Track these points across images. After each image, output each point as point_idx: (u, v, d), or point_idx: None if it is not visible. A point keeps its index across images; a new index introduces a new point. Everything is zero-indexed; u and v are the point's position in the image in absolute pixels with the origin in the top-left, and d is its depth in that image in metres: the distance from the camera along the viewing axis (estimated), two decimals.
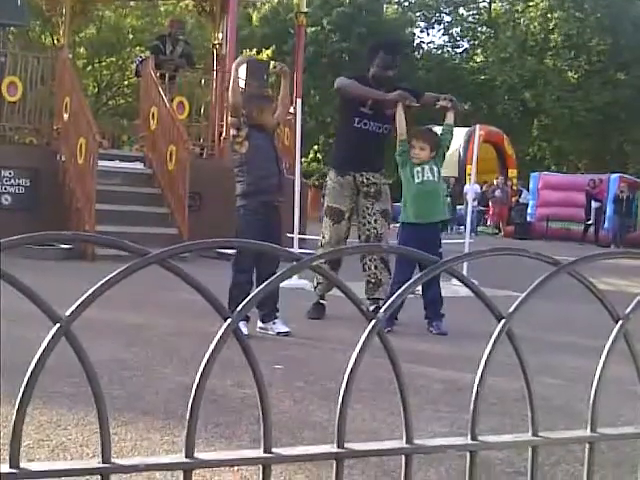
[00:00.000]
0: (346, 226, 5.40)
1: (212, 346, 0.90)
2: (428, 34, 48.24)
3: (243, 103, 4.84)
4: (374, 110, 5.30)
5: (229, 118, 4.93)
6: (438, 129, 5.54)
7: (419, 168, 5.14)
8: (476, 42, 40.72)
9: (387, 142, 5.52)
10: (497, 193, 22.22)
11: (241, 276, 4.64)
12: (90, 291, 0.83)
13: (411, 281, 1.02)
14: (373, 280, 5.19)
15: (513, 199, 22.66)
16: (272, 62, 5.73)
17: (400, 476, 1.01)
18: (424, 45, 42.00)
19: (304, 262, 0.94)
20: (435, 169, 5.17)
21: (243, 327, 4.52)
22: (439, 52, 41.40)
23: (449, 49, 41.73)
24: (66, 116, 9.95)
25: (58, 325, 0.82)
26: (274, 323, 4.70)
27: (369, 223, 5.32)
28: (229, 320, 0.91)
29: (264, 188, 4.71)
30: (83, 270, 7.44)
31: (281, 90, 5.12)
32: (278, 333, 4.63)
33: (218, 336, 0.90)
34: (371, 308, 4.98)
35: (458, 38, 41.59)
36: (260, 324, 4.73)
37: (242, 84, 11.61)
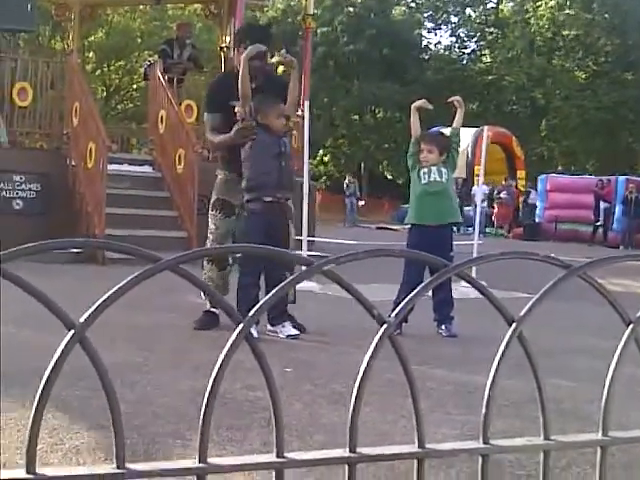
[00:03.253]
0: (235, 221, 5.02)
1: (224, 351, 0.90)
2: (436, 34, 48.23)
3: (253, 102, 4.79)
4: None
5: (237, 109, 4.76)
6: (447, 131, 5.57)
7: (426, 169, 5.15)
8: (484, 43, 40.67)
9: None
10: (503, 194, 22.18)
11: (246, 279, 4.65)
12: (104, 297, 0.84)
13: (422, 285, 1.02)
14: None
15: (520, 200, 22.62)
16: (281, 52, 5.35)
17: (411, 479, 1.01)
18: (432, 46, 42.01)
19: (315, 267, 0.94)
20: (444, 171, 5.16)
21: (253, 330, 4.51)
22: (447, 53, 41.38)
23: (457, 50, 41.69)
24: (76, 121, 9.99)
25: (73, 331, 0.82)
26: (283, 326, 4.70)
27: None
28: (241, 325, 0.91)
29: (264, 183, 4.70)
30: (94, 274, 7.47)
31: (290, 83, 4.96)
32: (288, 336, 4.64)
33: (231, 341, 0.90)
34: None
35: (466, 39, 41.57)
36: (269, 327, 4.74)
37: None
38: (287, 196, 4.84)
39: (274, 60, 6.12)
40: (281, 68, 6.03)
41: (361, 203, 27.77)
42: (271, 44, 5.23)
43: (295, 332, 4.68)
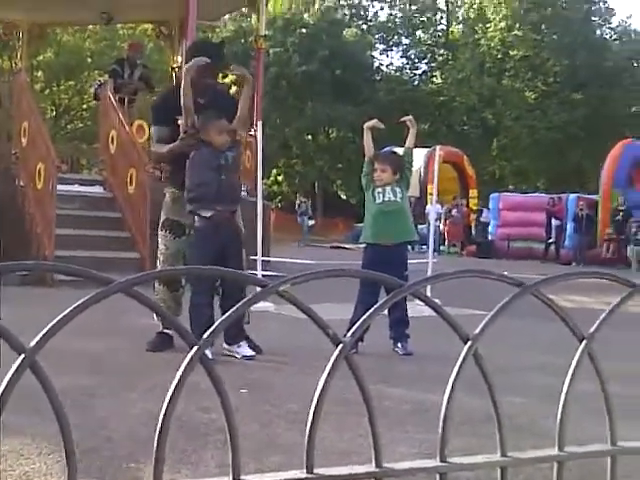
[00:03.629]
0: (187, 242, 4.94)
1: (179, 373, 0.89)
2: (387, 55, 48.80)
3: (198, 119, 4.77)
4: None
5: (180, 121, 4.73)
6: (400, 151, 5.62)
7: (380, 189, 5.18)
8: (434, 64, 41.27)
9: (239, 166, 5.21)
10: (454, 212, 22.45)
11: (198, 298, 4.60)
12: (54, 321, 0.82)
13: (377, 305, 1.02)
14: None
15: (472, 218, 22.89)
16: (231, 66, 5.22)
17: None
18: (384, 67, 42.48)
19: (270, 288, 0.94)
20: (398, 190, 5.20)
21: (207, 352, 4.46)
22: (398, 74, 41.87)
23: (408, 71, 42.23)
24: (24, 140, 9.84)
25: (23, 356, 0.80)
26: (239, 346, 4.67)
27: None
28: (196, 347, 0.90)
29: (202, 195, 4.67)
30: (43, 296, 7.33)
31: (241, 97, 4.90)
32: (243, 357, 4.61)
33: (185, 363, 0.89)
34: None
35: (417, 60, 42.14)
36: (225, 345, 4.70)
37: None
38: (230, 209, 4.76)
39: (227, 80, 6.09)
40: (234, 88, 5.97)
41: (311, 223, 27.81)
42: (224, 62, 5.22)
43: (251, 353, 4.66)
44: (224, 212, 4.71)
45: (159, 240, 5.05)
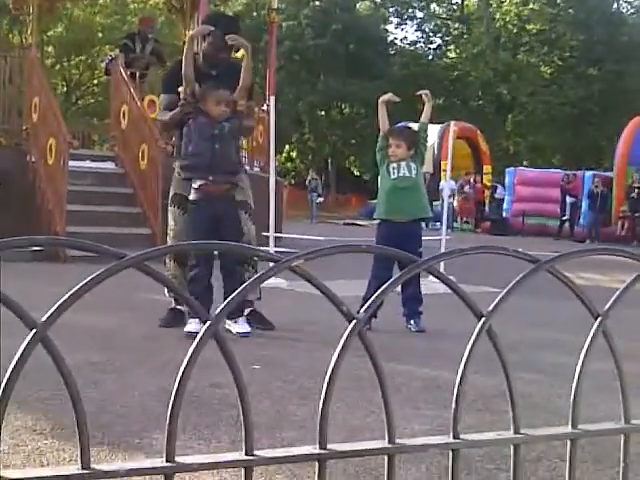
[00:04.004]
0: None
1: (192, 349, 0.89)
2: (402, 29, 48.37)
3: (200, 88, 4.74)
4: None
5: (180, 89, 4.71)
6: (415, 126, 5.57)
7: (395, 165, 5.15)
8: (449, 38, 40.91)
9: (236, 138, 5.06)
10: (466, 189, 22.34)
11: (195, 271, 4.60)
12: (66, 296, 0.82)
13: (391, 281, 1.01)
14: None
15: (486, 194, 22.78)
16: (229, 36, 5.06)
17: (381, 474, 1.00)
18: (398, 41, 42.15)
19: (282, 263, 0.93)
20: (412, 166, 5.16)
21: (196, 325, 4.39)
22: (412, 48, 41.54)
23: (422, 45, 41.89)
24: (35, 116, 9.84)
25: (34, 331, 0.80)
26: (236, 322, 4.61)
27: None
28: (208, 323, 0.90)
29: (194, 165, 4.65)
30: (56, 272, 7.37)
31: (242, 67, 4.81)
32: (237, 333, 4.56)
33: (198, 339, 0.88)
34: (247, 311, 4.90)
35: (431, 34, 41.76)
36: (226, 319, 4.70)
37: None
38: (223, 179, 4.68)
39: (239, 54, 6.01)
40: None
41: (320, 200, 27.70)
42: (240, 35, 5.17)
43: (246, 330, 4.59)
44: (217, 182, 4.65)
45: (169, 216, 5.04)
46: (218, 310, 0.91)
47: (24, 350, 0.80)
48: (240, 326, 4.58)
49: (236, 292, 0.94)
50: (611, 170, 20.55)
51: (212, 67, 4.93)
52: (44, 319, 0.81)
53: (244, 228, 4.92)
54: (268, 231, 7.85)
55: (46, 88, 9.97)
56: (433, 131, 20.19)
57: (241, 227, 4.88)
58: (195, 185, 4.65)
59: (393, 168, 5.14)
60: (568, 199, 20.22)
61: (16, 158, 9.90)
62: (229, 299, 0.93)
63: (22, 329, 0.80)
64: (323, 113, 39.45)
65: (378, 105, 5.38)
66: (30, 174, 9.73)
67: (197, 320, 4.48)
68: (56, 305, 0.82)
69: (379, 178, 5.31)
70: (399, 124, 8.55)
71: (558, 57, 36.44)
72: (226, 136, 4.67)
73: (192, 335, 4.36)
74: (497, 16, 37.63)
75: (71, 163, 9.27)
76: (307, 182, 27.57)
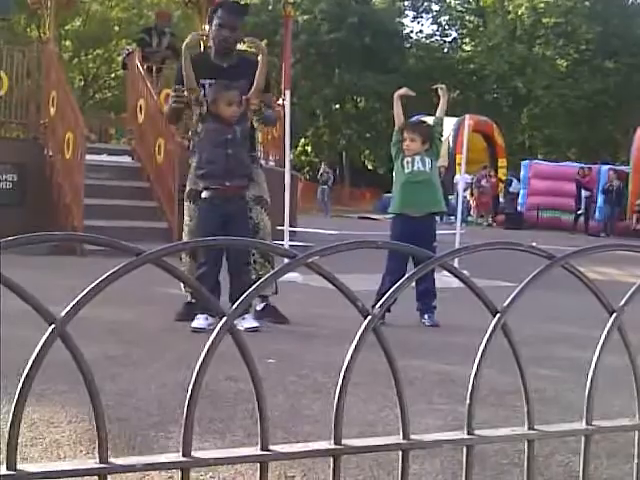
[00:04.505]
0: None
1: (208, 343, 0.90)
2: (418, 22, 48.16)
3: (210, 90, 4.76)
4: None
5: (185, 93, 4.74)
6: (430, 120, 5.56)
7: (409, 159, 5.14)
8: (465, 31, 40.72)
9: (247, 139, 5.04)
10: (483, 182, 22.25)
11: (202, 268, 4.63)
12: (85, 292, 0.83)
13: (405, 277, 1.02)
14: (254, 277, 4.84)
15: (500, 187, 22.69)
16: (246, 38, 5.19)
17: (395, 469, 1.01)
18: (413, 34, 42.01)
19: (299, 259, 0.93)
20: (427, 160, 5.15)
21: (203, 321, 4.47)
22: (428, 42, 41.38)
23: (438, 38, 41.71)
24: (53, 110, 9.89)
25: (53, 326, 0.81)
26: (243, 318, 4.62)
27: None
28: (225, 318, 0.90)
29: (210, 173, 4.65)
30: (73, 266, 7.41)
31: (258, 67, 4.80)
32: (246, 329, 4.57)
33: (214, 333, 0.89)
34: (259, 307, 4.93)
35: (447, 27, 41.59)
36: None
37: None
38: (238, 184, 4.69)
39: (245, 46, 6.01)
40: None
41: (327, 191, 27.52)
42: (243, 20, 5.19)
43: (254, 325, 4.60)
44: (232, 187, 4.67)
45: (185, 211, 5.06)
46: (235, 305, 0.92)
47: (42, 345, 0.81)
48: (248, 322, 4.59)
49: (253, 287, 0.94)
50: (627, 164, 20.41)
51: (222, 59, 4.96)
52: (62, 314, 0.82)
53: (260, 223, 4.94)
54: (283, 225, 7.87)
55: (64, 82, 10.02)
56: (448, 124, 20.11)
57: (257, 223, 4.91)
58: (213, 186, 4.67)
59: (407, 162, 5.14)
60: (583, 193, 20.11)
61: (34, 152, 9.96)
62: (246, 294, 0.93)
63: (38, 320, 0.81)
64: (338, 107, 39.41)
65: (393, 100, 5.37)
66: (48, 168, 9.79)
67: (205, 316, 4.52)
68: (74, 301, 0.83)
69: (394, 172, 5.31)
70: (414, 117, 8.52)
71: (574, 50, 36.21)
72: (238, 140, 4.69)
73: (199, 331, 4.40)
74: (511, 8, 37.41)
75: (88, 157, 9.32)
76: (319, 174, 27.53)
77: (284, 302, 5.13)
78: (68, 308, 0.82)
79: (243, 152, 4.74)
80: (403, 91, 5.37)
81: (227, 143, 4.64)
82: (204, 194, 4.71)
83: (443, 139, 5.87)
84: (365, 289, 3.96)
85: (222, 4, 5.23)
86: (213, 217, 4.62)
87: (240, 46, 5.45)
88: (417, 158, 5.12)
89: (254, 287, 0.94)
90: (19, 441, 2.44)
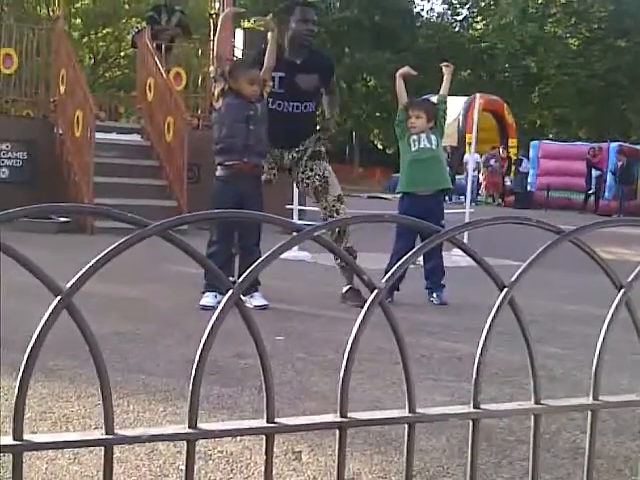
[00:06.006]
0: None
1: (214, 318, 0.90)
2: (429, 1, 47.71)
3: (229, 66, 4.75)
4: (287, 89, 5.00)
5: (210, 68, 4.78)
6: (435, 98, 5.54)
7: (415, 137, 5.12)
8: (476, 10, 40.37)
9: (311, 120, 5.25)
10: (492, 162, 22.16)
11: (211, 247, 4.63)
12: (90, 263, 0.83)
13: (413, 251, 1.01)
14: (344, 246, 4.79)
15: (509, 167, 22.59)
16: (255, 18, 5.26)
17: (401, 444, 1.01)
18: (424, 13, 41.69)
19: (305, 233, 0.93)
20: (433, 138, 5.13)
21: (212, 299, 4.48)
22: (439, 20, 41.06)
23: (449, 17, 41.38)
24: (62, 88, 9.89)
25: (59, 297, 0.81)
26: (252, 297, 4.64)
27: (310, 181, 5.16)
28: (230, 292, 0.90)
29: (229, 147, 4.64)
30: (82, 243, 7.44)
31: (267, 47, 4.83)
32: (255, 306, 4.55)
33: (220, 307, 0.89)
34: (344, 288, 4.94)
35: (458, 6, 41.24)
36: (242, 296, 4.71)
37: (239, 54, 11.48)
38: (256, 161, 4.70)
39: (255, 25, 6.04)
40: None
41: None
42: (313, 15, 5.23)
43: (264, 302, 4.62)
44: (250, 163, 4.66)
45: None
46: (240, 279, 0.92)
47: (49, 316, 0.81)
48: (256, 300, 4.61)
49: (258, 262, 0.94)
50: (638, 143, 20.27)
51: (297, 55, 5.05)
52: (69, 285, 0.82)
53: (329, 178, 5.17)
54: (292, 204, 7.86)
55: (73, 60, 9.99)
56: (458, 103, 20.00)
57: (325, 176, 5.11)
58: (229, 163, 4.66)
59: (414, 140, 5.12)
60: (594, 172, 20.00)
61: (44, 130, 9.97)
62: (249, 270, 0.93)
63: (49, 296, 0.81)
64: (347, 86, 39.21)
65: (396, 79, 5.34)
66: (57, 146, 9.80)
67: (214, 294, 4.53)
68: (81, 271, 0.83)
69: (400, 151, 5.29)
70: (421, 97, 8.46)
71: (586, 29, 35.87)
72: (259, 117, 4.69)
73: (207, 308, 4.41)
74: None
75: (98, 135, 9.32)
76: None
77: (292, 280, 5.14)
78: (74, 279, 0.82)
79: (263, 129, 4.74)
80: (405, 70, 5.33)
81: (249, 119, 4.63)
82: (219, 172, 4.71)
83: (453, 118, 5.84)
84: (373, 267, 3.96)
85: (297, 2, 5.28)
86: (227, 195, 4.61)
87: (248, 24, 5.47)
88: (423, 136, 5.11)
89: (258, 262, 0.94)
90: (29, 415, 2.45)
